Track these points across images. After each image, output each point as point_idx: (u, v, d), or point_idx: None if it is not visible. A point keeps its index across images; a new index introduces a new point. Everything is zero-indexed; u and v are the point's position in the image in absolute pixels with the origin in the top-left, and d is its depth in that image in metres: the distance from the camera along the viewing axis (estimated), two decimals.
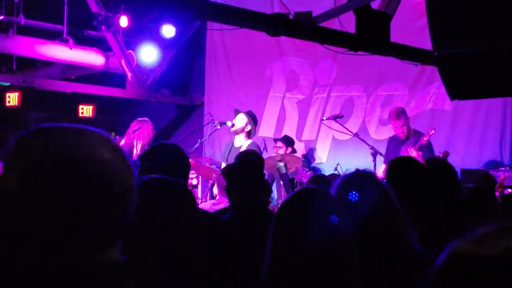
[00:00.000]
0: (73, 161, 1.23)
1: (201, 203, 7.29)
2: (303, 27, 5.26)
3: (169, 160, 3.32)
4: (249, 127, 7.64)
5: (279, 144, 9.18)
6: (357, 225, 2.27)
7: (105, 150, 1.28)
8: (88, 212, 1.23)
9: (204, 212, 3.43)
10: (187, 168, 3.43)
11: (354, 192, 2.46)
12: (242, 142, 7.62)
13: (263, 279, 2.17)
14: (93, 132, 1.30)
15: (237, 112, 7.80)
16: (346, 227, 2.19)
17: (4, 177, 1.24)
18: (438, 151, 7.85)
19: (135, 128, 7.63)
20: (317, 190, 2.43)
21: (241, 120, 7.64)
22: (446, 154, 7.43)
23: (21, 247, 1.22)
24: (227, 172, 4.01)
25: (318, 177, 5.78)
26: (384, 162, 7.73)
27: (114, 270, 1.29)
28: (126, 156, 1.32)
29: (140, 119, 7.85)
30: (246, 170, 3.94)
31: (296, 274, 2.10)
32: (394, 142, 7.86)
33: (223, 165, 7.44)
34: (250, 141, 7.63)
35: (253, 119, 7.72)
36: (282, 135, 9.81)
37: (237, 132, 7.64)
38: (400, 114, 7.67)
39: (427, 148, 7.47)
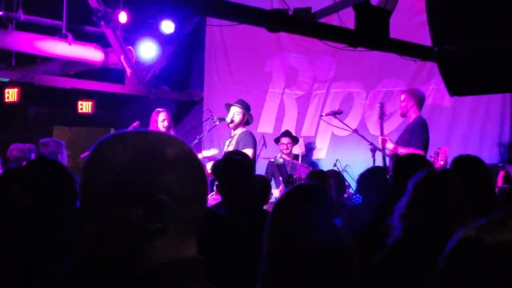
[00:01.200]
0: (144, 158, 1.32)
1: None
2: (302, 23, 5.26)
3: None
4: (246, 117, 7.69)
5: (285, 140, 9.04)
6: None
7: (172, 145, 1.36)
8: (174, 203, 1.30)
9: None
10: None
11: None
12: (237, 131, 7.71)
13: (260, 279, 2.15)
14: (158, 133, 1.41)
15: (228, 106, 7.82)
16: (346, 226, 2.17)
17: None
18: (436, 147, 7.85)
19: None
20: (313, 186, 2.42)
21: (237, 114, 7.66)
22: (445, 151, 7.41)
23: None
24: (213, 170, 4.04)
25: (316, 172, 5.76)
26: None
27: (193, 265, 1.34)
28: (194, 152, 1.40)
29: None
30: (231, 167, 3.94)
31: (294, 273, 2.08)
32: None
33: None
34: (244, 129, 7.67)
35: (247, 108, 7.74)
36: (282, 131, 9.73)
37: (236, 127, 7.66)
38: (410, 92, 7.60)
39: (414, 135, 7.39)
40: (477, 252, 1.14)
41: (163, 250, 1.30)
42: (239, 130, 7.66)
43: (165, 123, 8.22)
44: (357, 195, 2.46)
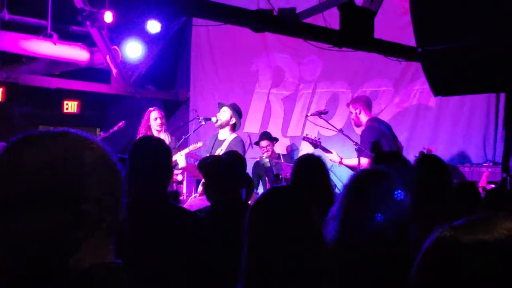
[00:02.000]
0: (61, 165, 1.26)
1: (185, 198, 7.30)
2: (286, 23, 5.26)
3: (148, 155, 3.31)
4: (233, 120, 7.64)
5: (264, 143, 9.03)
6: None
7: (90, 150, 1.30)
8: (80, 212, 1.25)
9: (182, 210, 3.43)
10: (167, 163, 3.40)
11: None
12: (226, 136, 7.63)
13: (241, 277, 2.15)
14: (76, 135, 1.33)
15: (221, 105, 7.80)
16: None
17: None
18: (422, 147, 7.88)
19: None
20: (286, 189, 2.41)
21: (225, 113, 7.63)
22: (430, 151, 7.45)
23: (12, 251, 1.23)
24: (200, 166, 4.05)
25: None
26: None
27: (114, 271, 1.30)
28: (112, 155, 1.35)
29: None
30: (219, 166, 3.95)
31: (273, 272, 2.08)
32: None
33: None
34: (234, 135, 7.62)
35: (238, 112, 7.71)
36: (267, 130, 9.73)
37: (222, 126, 7.63)
38: (353, 102, 7.88)
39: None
40: (452, 252, 1.14)
41: (84, 257, 1.26)
42: (229, 136, 7.60)
43: (158, 121, 8.14)
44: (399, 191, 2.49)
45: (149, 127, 8.11)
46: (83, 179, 1.26)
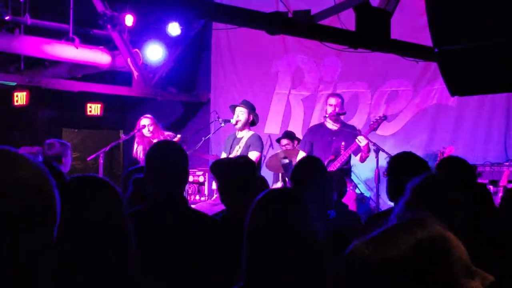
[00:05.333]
0: None
1: (200, 200, 7.35)
2: (301, 25, 5.28)
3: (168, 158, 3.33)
4: (251, 117, 7.69)
5: (285, 142, 9.09)
6: None
7: (21, 168, 1.27)
8: (13, 228, 1.22)
9: (194, 212, 3.43)
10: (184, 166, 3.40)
11: None
12: (243, 134, 7.69)
13: (242, 276, 2.17)
14: (4, 151, 1.29)
15: (233, 107, 7.83)
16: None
17: None
18: (441, 147, 7.87)
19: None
20: (283, 192, 2.41)
21: (243, 114, 7.66)
22: (442, 152, 7.45)
23: None
24: (212, 169, 4.04)
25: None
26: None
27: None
28: (45, 171, 1.31)
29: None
30: (230, 169, 3.95)
31: (273, 272, 2.09)
32: (320, 131, 8.00)
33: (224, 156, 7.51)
34: (251, 132, 7.68)
35: (252, 108, 7.75)
36: (288, 131, 9.76)
37: (243, 127, 7.67)
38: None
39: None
40: (360, 264, 1.19)
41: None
42: (247, 133, 7.65)
43: (150, 129, 8.00)
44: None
45: (142, 134, 8.03)
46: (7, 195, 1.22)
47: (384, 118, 7.93)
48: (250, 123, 7.71)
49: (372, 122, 8.00)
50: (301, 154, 7.71)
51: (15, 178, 1.23)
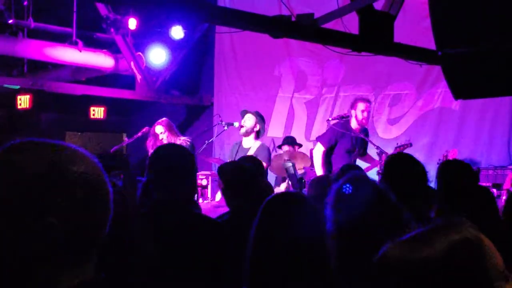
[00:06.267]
0: (49, 176, 1.25)
1: (202, 202, 7.30)
2: (305, 29, 5.28)
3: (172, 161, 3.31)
4: (258, 127, 7.58)
5: (286, 148, 8.97)
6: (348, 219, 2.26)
7: (81, 165, 1.29)
8: (65, 227, 1.24)
9: (197, 215, 3.42)
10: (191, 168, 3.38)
11: (348, 185, 2.43)
12: (251, 144, 7.55)
13: (244, 279, 2.17)
14: (68, 147, 1.33)
15: (244, 112, 7.74)
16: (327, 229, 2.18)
17: None
18: (445, 150, 7.86)
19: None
20: (285, 197, 2.41)
21: (249, 120, 7.56)
22: (446, 156, 7.41)
23: None
24: (219, 172, 4.03)
25: (318, 179, 5.58)
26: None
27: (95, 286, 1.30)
28: (103, 171, 1.35)
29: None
30: (240, 173, 3.94)
31: (276, 274, 2.09)
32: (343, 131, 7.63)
33: None
34: (259, 142, 7.55)
35: (261, 119, 7.68)
36: (291, 135, 9.74)
37: (247, 133, 7.55)
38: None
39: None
40: (394, 266, 1.21)
41: (61, 277, 1.25)
42: (254, 143, 7.55)
43: (163, 137, 7.63)
44: (347, 185, 2.45)
45: (157, 138, 7.74)
46: (59, 193, 1.24)
47: (410, 145, 7.58)
48: (256, 133, 7.60)
49: (398, 146, 7.70)
50: (305, 158, 7.69)
51: (78, 171, 1.28)
